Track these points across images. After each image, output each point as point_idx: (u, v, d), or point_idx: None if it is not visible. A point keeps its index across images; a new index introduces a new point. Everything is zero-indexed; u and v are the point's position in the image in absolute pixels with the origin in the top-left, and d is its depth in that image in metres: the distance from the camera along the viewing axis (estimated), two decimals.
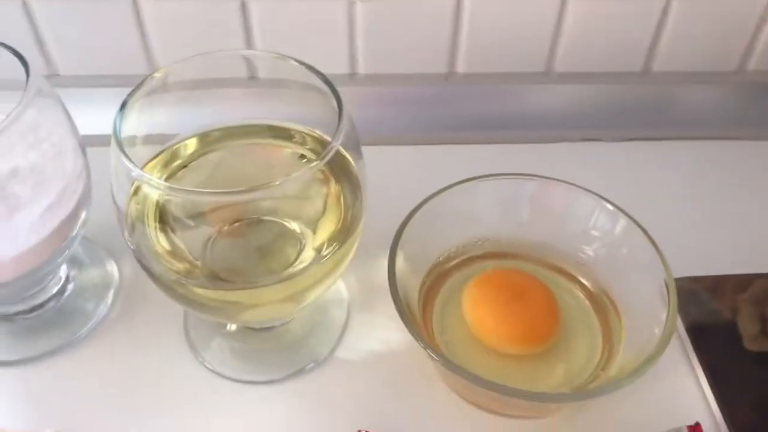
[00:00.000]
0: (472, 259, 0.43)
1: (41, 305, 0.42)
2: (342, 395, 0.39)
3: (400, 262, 0.38)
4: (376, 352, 0.42)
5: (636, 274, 0.39)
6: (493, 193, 0.42)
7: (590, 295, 0.41)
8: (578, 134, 0.53)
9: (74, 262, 0.45)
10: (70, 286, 0.44)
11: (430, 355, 0.35)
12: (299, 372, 0.40)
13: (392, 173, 0.47)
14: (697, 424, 0.35)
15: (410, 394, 0.39)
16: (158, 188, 0.32)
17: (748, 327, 0.41)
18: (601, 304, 0.41)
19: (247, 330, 0.42)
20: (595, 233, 0.41)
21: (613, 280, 0.40)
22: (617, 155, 0.52)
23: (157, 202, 0.36)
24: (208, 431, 0.37)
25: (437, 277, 0.42)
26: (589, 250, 0.41)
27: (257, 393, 0.40)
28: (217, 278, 0.35)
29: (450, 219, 0.41)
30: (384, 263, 0.38)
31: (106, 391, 0.39)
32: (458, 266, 0.43)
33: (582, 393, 0.36)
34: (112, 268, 0.45)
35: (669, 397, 0.39)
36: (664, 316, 0.36)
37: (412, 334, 0.35)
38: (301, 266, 0.35)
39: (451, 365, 0.34)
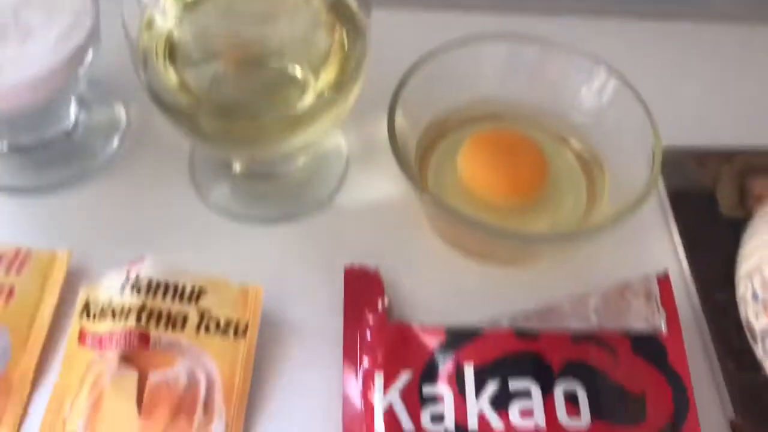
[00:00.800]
0: (469, 120, 0.44)
1: (52, 141, 0.44)
2: (336, 237, 0.42)
3: (399, 117, 0.40)
4: (371, 202, 0.44)
5: (626, 137, 0.41)
6: (493, 54, 0.43)
7: (580, 156, 0.43)
8: (584, 6, 0.54)
9: (84, 104, 0.46)
10: (80, 127, 0.45)
11: (421, 197, 0.37)
12: (298, 215, 0.43)
13: (396, 36, 0.48)
14: (666, 275, 0.38)
15: (402, 240, 0.42)
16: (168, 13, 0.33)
17: (726, 196, 0.43)
18: (590, 165, 0.42)
19: (250, 175, 0.44)
20: (589, 95, 0.42)
21: (603, 143, 0.42)
22: (620, 32, 0.53)
23: (167, 37, 0.37)
24: (208, 264, 0.40)
25: (435, 136, 0.44)
26: (583, 113, 0.43)
27: (257, 232, 0.42)
28: (222, 112, 0.37)
29: (449, 79, 0.43)
30: (384, 122, 0.39)
31: (114, 221, 0.42)
32: (456, 126, 0.44)
33: (562, 235, 0.38)
34: (120, 111, 0.46)
35: (644, 253, 0.42)
36: (647, 177, 0.38)
37: (406, 175, 0.37)
38: (303, 104, 0.37)
39: (441, 203, 0.36)
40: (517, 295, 0.39)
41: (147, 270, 0.36)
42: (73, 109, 0.45)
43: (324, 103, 0.37)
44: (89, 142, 0.45)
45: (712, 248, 0.41)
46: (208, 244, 0.41)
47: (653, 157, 0.38)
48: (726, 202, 0.43)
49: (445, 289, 0.40)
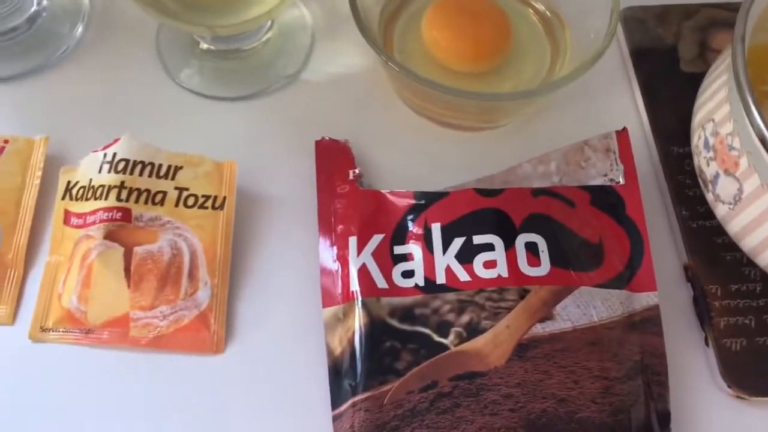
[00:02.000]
0: None
1: (14, 29, 0.44)
2: (305, 111, 0.43)
3: None
4: (338, 75, 0.44)
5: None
6: None
7: (543, 17, 0.43)
8: None
9: None
10: (42, 13, 0.45)
11: (385, 65, 0.38)
12: (266, 90, 0.43)
13: None
14: (624, 129, 0.39)
15: (370, 111, 0.43)
16: None
17: (687, 51, 0.44)
18: (553, 26, 0.43)
19: (217, 51, 0.44)
20: None
21: (566, 3, 0.42)
22: None
23: None
24: (180, 142, 0.40)
25: (399, 2, 0.44)
26: None
27: (227, 109, 0.43)
28: None
29: None
30: None
31: (86, 106, 0.42)
32: None
33: (523, 92, 0.39)
34: None
35: (605, 112, 0.43)
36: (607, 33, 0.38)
37: (370, 43, 0.38)
38: None
39: (404, 69, 0.37)
40: (482, 159, 0.40)
41: (123, 150, 0.37)
42: None
43: None
44: (54, 28, 0.45)
45: (673, 103, 0.42)
46: (180, 124, 0.42)
47: (611, 12, 0.39)
48: (687, 57, 0.44)
49: (413, 157, 0.41)
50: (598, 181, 0.38)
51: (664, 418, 0.33)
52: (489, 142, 0.42)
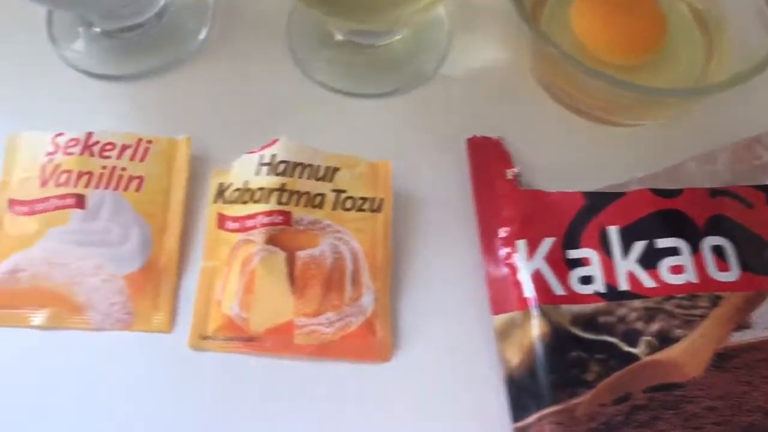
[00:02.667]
0: None
1: (142, 25, 0.42)
2: (448, 108, 0.41)
3: None
4: (479, 70, 0.43)
5: None
6: None
7: (695, 10, 0.41)
8: None
9: None
10: (169, 8, 0.43)
11: (543, 43, 0.36)
12: (406, 87, 0.42)
13: None
14: None
15: (515, 107, 0.41)
16: None
17: None
18: (707, 20, 0.41)
19: (353, 45, 0.42)
20: None
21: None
22: None
23: None
24: (325, 141, 0.39)
25: None
26: None
27: (367, 105, 0.41)
28: None
29: None
30: None
31: (222, 103, 0.41)
32: None
33: (687, 90, 0.37)
34: None
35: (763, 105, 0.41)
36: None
37: (528, 26, 0.36)
38: None
39: (564, 54, 0.35)
40: (639, 157, 0.39)
41: (281, 152, 0.36)
42: None
43: None
44: (182, 23, 0.43)
45: None
46: (320, 121, 0.40)
47: None
48: None
49: (566, 154, 0.39)
50: None
51: None
52: (644, 138, 0.40)
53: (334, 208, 0.36)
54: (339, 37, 0.42)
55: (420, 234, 0.37)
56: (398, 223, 0.37)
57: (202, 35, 0.43)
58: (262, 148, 0.36)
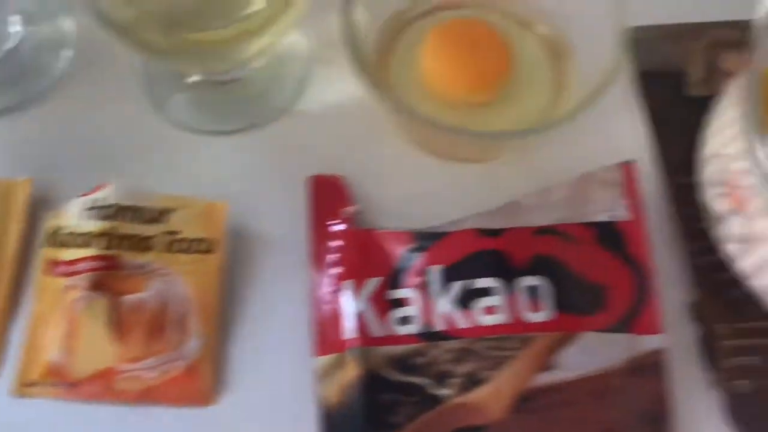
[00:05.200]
0: (431, 10, 0.43)
1: None
2: (301, 144, 0.41)
3: (358, 8, 0.38)
4: (336, 105, 0.43)
5: (592, 18, 0.39)
6: None
7: (545, 41, 0.42)
8: None
9: (28, 19, 0.44)
10: (25, 44, 0.44)
11: (382, 103, 0.36)
12: (260, 122, 0.42)
13: None
14: (631, 162, 0.38)
15: (368, 144, 0.41)
16: None
17: (695, 73, 0.42)
18: (556, 51, 0.41)
19: (207, 83, 0.43)
20: None
21: (568, 25, 0.41)
22: None
23: None
24: (170, 180, 0.39)
25: (395, 29, 0.42)
26: None
27: (218, 142, 0.41)
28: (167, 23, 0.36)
29: None
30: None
31: (72, 144, 0.41)
32: (417, 17, 0.42)
33: (527, 131, 0.38)
34: (68, 24, 0.44)
35: (609, 138, 0.41)
36: (613, 60, 0.37)
37: (364, 81, 0.36)
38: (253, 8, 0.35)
39: (404, 108, 0.35)
40: (483, 192, 0.39)
41: (111, 194, 0.36)
42: (16, 24, 0.43)
43: (276, 4, 0.35)
44: (37, 60, 0.43)
45: (680, 129, 0.40)
46: (169, 161, 0.41)
47: (618, 38, 0.37)
48: (694, 79, 0.42)
49: (411, 192, 0.40)
50: (602, 217, 0.37)
51: None
52: (490, 175, 0.40)
53: (167, 250, 0.36)
54: (195, 76, 0.43)
55: (255, 275, 0.37)
56: (235, 264, 0.37)
57: (58, 73, 0.43)
58: (93, 191, 0.36)
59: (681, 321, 0.37)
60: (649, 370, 0.33)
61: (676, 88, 0.42)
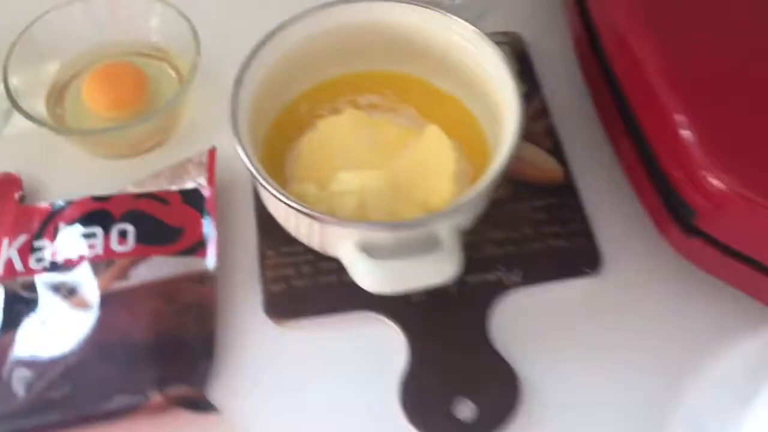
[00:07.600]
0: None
1: None
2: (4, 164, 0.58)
3: None
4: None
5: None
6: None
7: (178, 71, 0.60)
8: None
9: None
10: None
11: (60, 134, 0.53)
12: None
13: None
14: (213, 149, 0.55)
15: (41, 149, 0.58)
16: None
17: None
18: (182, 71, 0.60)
19: None
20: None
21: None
22: None
23: None
24: None
25: (69, 79, 0.60)
26: None
27: None
28: None
29: None
30: None
31: None
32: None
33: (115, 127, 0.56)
34: None
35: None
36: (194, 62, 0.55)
37: (16, 108, 0.53)
38: None
39: (71, 131, 0.53)
40: (126, 175, 0.56)
41: None
42: None
43: None
44: None
45: None
46: None
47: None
48: None
49: (72, 179, 0.57)
50: (190, 185, 0.54)
51: (209, 338, 0.49)
52: (131, 165, 0.58)
53: None
54: None
55: None
56: None
57: None
58: None
59: (242, 249, 0.54)
60: (203, 280, 0.50)
61: None
